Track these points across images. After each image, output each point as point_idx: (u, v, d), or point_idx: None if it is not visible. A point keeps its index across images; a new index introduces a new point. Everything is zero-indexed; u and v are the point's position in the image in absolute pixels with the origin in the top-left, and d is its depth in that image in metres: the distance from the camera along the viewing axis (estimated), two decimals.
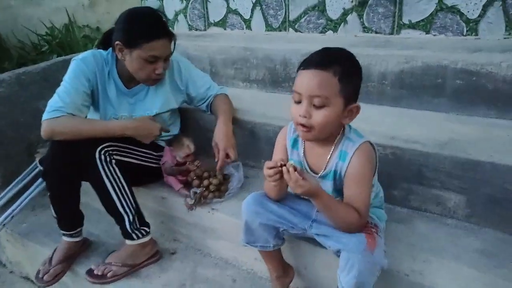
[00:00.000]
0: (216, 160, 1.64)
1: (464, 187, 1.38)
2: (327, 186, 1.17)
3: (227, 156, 1.62)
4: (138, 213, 1.59)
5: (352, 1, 2.09)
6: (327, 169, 1.16)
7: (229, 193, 1.63)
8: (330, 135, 1.13)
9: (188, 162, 1.68)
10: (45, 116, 1.52)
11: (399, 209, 1.52)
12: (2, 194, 2.04)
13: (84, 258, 1.72)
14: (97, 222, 1.89)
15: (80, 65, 1.59)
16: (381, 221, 1.26)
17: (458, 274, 1.19)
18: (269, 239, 1.27)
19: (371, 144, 1.14)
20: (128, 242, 1.59)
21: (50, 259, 1.66)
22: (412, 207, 1.51)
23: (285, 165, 1.04)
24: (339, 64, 1.03)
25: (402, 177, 1.49)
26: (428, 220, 1.46)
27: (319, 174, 1.18)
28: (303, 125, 1.06)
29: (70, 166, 1.51)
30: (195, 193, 1.61)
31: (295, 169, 1.03)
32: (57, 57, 2.95)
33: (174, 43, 1.60)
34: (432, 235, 1.38)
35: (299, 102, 1.07)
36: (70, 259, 1.67)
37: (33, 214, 2.11)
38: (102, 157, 1.49)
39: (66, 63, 2.33)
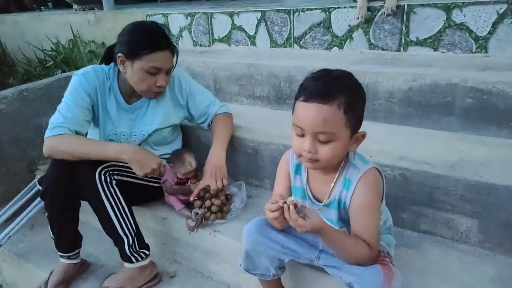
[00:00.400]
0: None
1: (477, 211, 1.32)
2: (332, 215, 1.11)
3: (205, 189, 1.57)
4: (138, 235, 1.54)
5: (357, 18, 2.06)
6: (330, 198, 1.10)
7: (231, 214, 1.58)
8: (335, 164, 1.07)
9: (189, 180, 1.63)
10: (47, 133, 1.50)
11: (409, 233, 1.46)
12: (1, 212, 2.01)
13: (81, 281, 1.66)
14: (96, 242, 1.83)
15: (81, 80, 1.57)
16: (390, 247, 1.20)
17: None
18: (270, 268, 1.21)
19: (377, 169, 1.08)
20: (126, 265, 1.53)
21: (46, 282, 1.60)
22: (422, 230, 1.45)
23: (285, 202, 0.98)
24: (343, 94, 0.96)
25: (411, 199, 1.43)
26: (439, 244, 1.40)
27: (323, 203, 1.11)
28: (308, 158, 1.00)
29: (69, 186, 1.47)
30: (196, 214, 1.56)
31: (296, 206, 0.98)
32: (62, 72, 2.96)
33: (177, 57, 1.59)
34: (443, 261, 1.31)
35: (301, 135, 1.01)
36: (67, 282, 1.62)
37: (32, 233, 2.06)
38: (102, 177, 1.45)
39: (69, 79, 2.32)
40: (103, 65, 1.66)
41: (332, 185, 1.08)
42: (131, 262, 1.51)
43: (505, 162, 1.39)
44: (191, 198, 1.58)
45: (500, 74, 1.56)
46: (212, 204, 1.55)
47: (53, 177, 1.49)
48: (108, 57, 1.64)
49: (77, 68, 2.76)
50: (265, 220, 1.21)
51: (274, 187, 1.23)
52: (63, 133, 1.47)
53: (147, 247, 1.57)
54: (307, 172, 1.15)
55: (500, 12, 1.76)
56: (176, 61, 1.59)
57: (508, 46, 1.77)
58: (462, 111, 1.62)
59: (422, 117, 1.71)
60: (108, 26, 3.34)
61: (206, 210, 1.54)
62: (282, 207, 0.99)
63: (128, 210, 1.51)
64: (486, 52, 1.82)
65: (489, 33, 1.79)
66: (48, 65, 3.32)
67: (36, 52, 3.53)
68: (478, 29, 1.81)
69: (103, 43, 3.39)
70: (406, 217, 1.45)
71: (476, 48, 1.84)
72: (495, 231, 1.31)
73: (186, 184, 1.62)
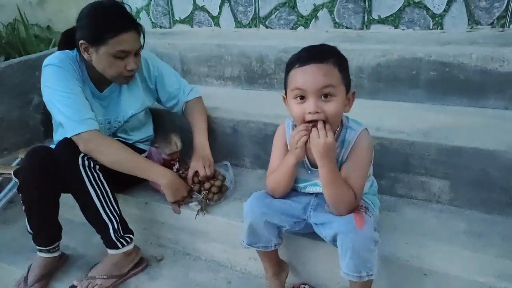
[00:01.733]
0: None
1: (448, 173, 1.46)
2: None
3: (196, 172, 1.58)
4: (122, 220, 1.51)
5: None
6: None
7: (226, 194, 1.59)
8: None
9: (176, 165, 1.62)
10: (78, 128, 1.40)
11: (387, 198, 1.57)
12: None
13: (62, 274, 1.60)
14: (71, 233, 1.75)
15: (61, 68, 1.45)
16: (375, 207, 1.30)
17: (454, 256, 1.24)
18: (272, 238, 1.26)
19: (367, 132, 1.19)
20: (111, 251, 1.50)
21: (26, 278, 1.52)
22: (398, 195, 1.57)
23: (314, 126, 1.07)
24: (335, 56, 1.09)
25: (388, 166, 1.53)
26: (415, 206, 1.52)
27: None
28: (313, 121, 1.06)
29: (48, 176, 1.40)
30: (199, 199, 1.55)
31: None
32: (6, 58, 2.72)
33: (144, 36, 1.51)
34: (421, 220, 1.44)
35: (301, 99, 1.08)
36: (47, 277, 1.55)
37: None
38: (86, 162, 1.40)
39: (23, 65, 2.17)
40: (68, 51, 1.52)
41: None
42: (117, 248, 1.48)
43: (470, 128, 1.54)
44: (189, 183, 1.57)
45: (459, 48, 1.69)
46: (212, 185, 1.55)
47: (31, 168, 1.41)
48: (66, 42, 1.52)
49: (27, 53, 2.56)
50: (263, 193, 1.28)
51: (271, 160, 1.28)
52: (95, 128, 1.43)
53: (131, 231, 1.54)
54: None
55: None
56: (144, 40, 1.52)
57: (461, 23, 1.93)
58: (427, 83, 1.75)
59: (390, 90, 1.83)
60: (53, 8, 3.11)
61: (207, 192, 1.54)
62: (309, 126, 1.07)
63: (112, 195, 1.48)
64: (442, 28, 1.96)
65: (444, 10, 1.94)
66: None
67: None
68: (434, 7, 1.95)
69: (48, 26, 3.16)
70: (384, 183, 1.56)
71: (433, 25, 1.98)
72: (464, 189, 1.46)
73: (173, 166, 1.60)
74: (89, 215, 1.46)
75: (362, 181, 1.18)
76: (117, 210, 1.49)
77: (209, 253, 1.62)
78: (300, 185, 1.27)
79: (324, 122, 1.07)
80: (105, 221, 1.45)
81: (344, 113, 1.16)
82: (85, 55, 1.44)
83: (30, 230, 1.50)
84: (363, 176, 1.18)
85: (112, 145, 1.46)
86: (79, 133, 1.40)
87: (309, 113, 1.06)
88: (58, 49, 1.54)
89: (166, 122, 1.92)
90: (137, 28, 1.46)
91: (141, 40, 1.50)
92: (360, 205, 1.20)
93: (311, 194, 1.28)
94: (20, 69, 2.14)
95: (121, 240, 1.48)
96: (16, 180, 1.43)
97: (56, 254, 1.56)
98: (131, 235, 1.52)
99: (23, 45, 2.76)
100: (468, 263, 1.21)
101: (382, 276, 1.24)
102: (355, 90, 1.16)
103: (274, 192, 1.26)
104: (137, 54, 1.49)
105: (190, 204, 1.57)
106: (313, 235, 1.29)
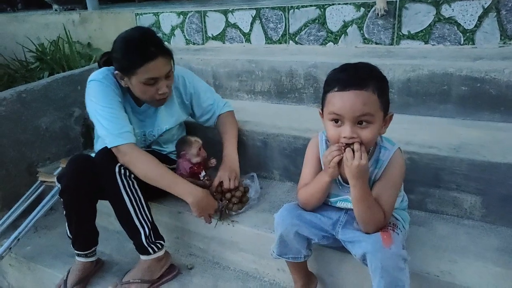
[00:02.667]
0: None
1: (480, 188, 1.44)
2: None
3: (221, 183, 1.64)
4: (153, 226, 1.57)
5: (377, 13, 2.09)
6: None
7: (249, 204, 1.63)
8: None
9: (202, 172, 1.68)
10: (116, 141, 1.50)
11: (417, 213, 1.56)
12: (6, 216, 1.97)
13: (99, 279, 1.67)
14: (106, 240, 1.84)
15: (104, 84, 1.55)
16: (405, 222, 1.30)
17: (485, 272, 1.23)
18: (301, 250, 1.28)
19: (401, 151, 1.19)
20: (143, 257, 1.56)
21: (65, 281, 1.60)
22: (429, 210, 1.56)
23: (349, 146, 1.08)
24: (374, 80, 1.07)
25: (418, 181, 1.53)
26: (446, 221, 1.51)
27: None
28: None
29: (88, 183, 1.49)
30: (218, 208, 1.60)
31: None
32: (50, 74, 2.90)
33: (172, 58, 1.57)
34: (452, 236, 1.42)
35: (337, 123, 1.09)
36: (85, 281, 1.62)
37: (37, 236, 2.04)
38: (122, 170, 1.48)
39: (67, 80, 2.31)
40: (111, 67, 1.61)
41: None
42: (148, 253, 1.54)
43: (502, 143, 1.52)
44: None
45: (490, 63, 1.69)
46: (233, 196, 1.60)
47: (72, 174, 1.50)
48: (105, 61, 1.62)
49: (70, 68, 2.72)
50: (294, 205, 1.30)
51: (303, 172, 1.31)
52: (132, 141, 1.51)
53: (162, 238, 1.60)
54: None
55: (485, 6, 1.90)
56: (173, 61, 1.57)
57: (493, 38, 1.92)
58: (458, 98, 1.75)
59: (420, 105, 1.83)
60: (94, 26, 3.30)
61: (227, 202, 1.59)
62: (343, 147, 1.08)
63: (145, 201, 1.55)
64: (473, 44, 1.96)
65: (476, 26, 1.93)
66: (32, 67, 3.24)
67: (17, 54, 3.44)
68: (465, 22, 1.95)
69: (89, 43, 3.35)
70: (414, 198, 1.55)
71: (464, 40, 1.98)
72: (497, 205, 1.43)
73: (199, 174, 1.67)
74: (123, 220, 1.54)
75: (393, 200, 1.18)
76: (149, 217, 1.55)
77: (238, 263, 1.65)
78: (331, 199, 1.29)
79: (360, 143, 1.07)
80: (137, 226, 1.51)
81: None
82: (122, 83, 1.55)
83: (69, 235, 1.59)
84: (395, 195, 1.18)
85: (144, 159, 1.53)
86: (117, 146, 1.49)
87: (344, 137, 1.07)
88: (98, 67, 1.65)
89: (198, 135, 1.98)
90: (164, 54, 1.51)
91: (171, 62, 1.55)
92: (388, 222, 1.20)
93: (341, 209, 1.29)
94: (64, 83, 2.28)
95: (152, 246, 1.54)
96: (59, 185, 1.53)
97: (93, 259, 1.64)
98: (162, 241, 1.58)
99: (66, 61, 2.93)
100: (501, 279, 1.19)
101: None
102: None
103: (306, 205, 1.28)
104: (168, 76, 1.55)
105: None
106: (342, 248, 1.30)
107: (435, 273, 1.24)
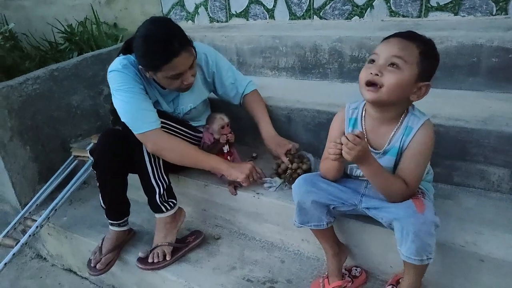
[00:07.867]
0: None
1: (509, 161, 1.42)
2: (389, 161, 1.20)
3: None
4: (169, 189, 1.66)
5: None
6: (390, 145, 1.19)
7: None
8: (396, 112, 1.17)
9: (226, 141, 1.73)
10: (143, 127, 1.54)
11: (443, 186, 1.56)
12: (43, 189, 2.08)
13: (131, 247, 1.76)
14: (137, 213, 1.92)
15: (125, 73, 1.55)
16: (430, 193, 1.30)
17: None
18: (322, 217, 1.31)
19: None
20: (158, 215, 1.65)
21: (100, 248, 1.70)
22: (455, 183, 1.55)
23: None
24: (423, 43, 1.11)
25: (445, 154, 1.52)
26: (473, 194, 1.50)
27: (383, 149, 1.21)
28: (371, 84, 1.09)
29: (120, 155, 1.57)
30: (273, 182, 1.65)
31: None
32: (78, 54, 2.98)
33: (194, 49, 1.56)
34: (478, 208, 1.41)
35: (372, 62, 1.12)
36: (118, 248, 1.72)
37: (72, 208, 2.15)
38: None
39: (96, 59, 2.38)
40: (129, 55, 1.60)
41: (393, 133, 1.18)
42: (161, 211, 1.64)
43: None
44: (284, 160, 1.66)
45: None
46: (299, 167, 1.63)
47: (104, 147, 1.58)
48: (126, 48, 1.60)
49: (98, 48, 2.79)
50: (313, 174, 1.34)
51: (326, 146, 1.31)
52: (157, 127, 1.55)
53: (175, 197, 1.69)
54: (365, 126, 1.24)
55: None
56: (195, 51, 1.56)
57: None
58: (488, 70, 1.70)
59: (448, 78, 1.79)
60: (119, 6, 3.34)
61: (293, 171, 1.63)
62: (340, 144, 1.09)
63: (164, 168, 1.64)
64: (507, 13, 1.88)
65: None
66: (61, 47, 3.33)
67: (46, 35, 3.54)
68: None
69: (115, 24, 3.40)
70: (440, 171, 1.54)
71: (496, 11, 1.90)
72: None
73: (222, 147, 1.73)
74: (143, 181, 1.62)
75: (421, 170, 1.18)
76: (166, 179, 1.65)
77: (263, 234, 1.70)
78: (350, 165, 1.31)
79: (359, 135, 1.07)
80: (153, 185, 1.60)
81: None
82: (147, 75, 1.55)
83: (103, 205, 1.67)
84: (422, 165, 1.18)
85: (172, 144, 1.58)
86: (143, 132, 1.53)
87: (371, 73, 1.09)
88: (119, 54, 1.63)
89: (223, 111, 2.01)
90: (186, 46, 1.48)
91: (193, 52, 1.54)
92: (417, 190, 1.21)
93: (363, 180, 1.31)
94: (93, 62, 2.35)
95: (165, 204, 1.64)
96: (91, 158, 1.61)
97: (125, 228, 1.73)
98: (174, 200, 1.68)
99: (94, 41, 3.00)
100: None
101: (436, 260, 1.24)
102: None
103: (326, 176, 1.32)
104: (191, 67, 1.55)
105: (265, 185, 1.66)
106: (365, 218, 1.32)
107: (461, 243, 1.24)
